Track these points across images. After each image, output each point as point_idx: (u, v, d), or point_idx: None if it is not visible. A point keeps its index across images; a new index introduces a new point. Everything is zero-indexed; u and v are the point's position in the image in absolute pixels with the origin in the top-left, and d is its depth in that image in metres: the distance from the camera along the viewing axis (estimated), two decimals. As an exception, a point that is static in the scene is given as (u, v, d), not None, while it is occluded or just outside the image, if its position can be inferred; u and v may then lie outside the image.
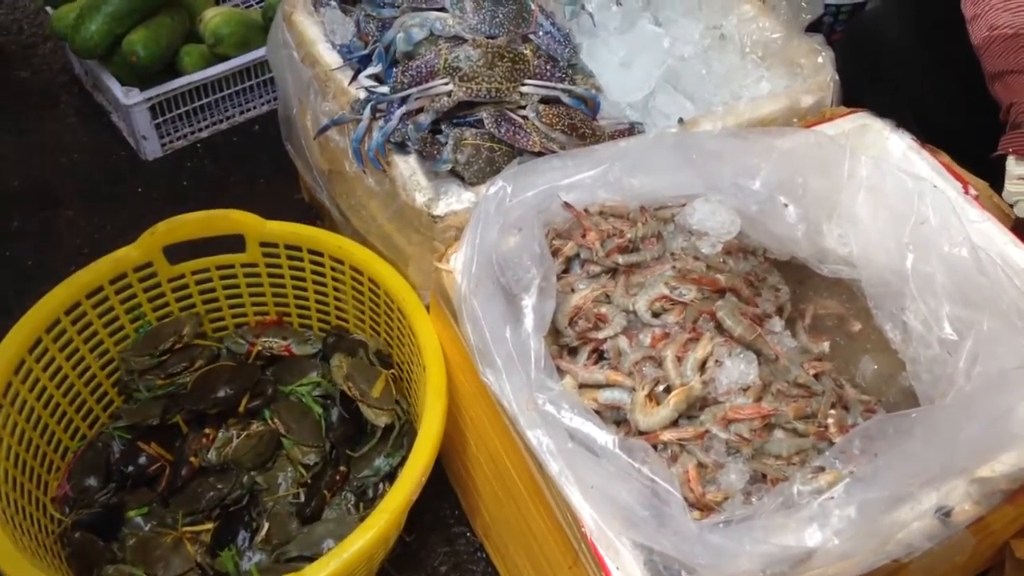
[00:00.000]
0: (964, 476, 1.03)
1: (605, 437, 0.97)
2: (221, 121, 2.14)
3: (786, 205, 1.30)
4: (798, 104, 1.49)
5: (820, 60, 1.53)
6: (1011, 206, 1.36)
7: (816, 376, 1.12)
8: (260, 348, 1.50)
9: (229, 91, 2.10)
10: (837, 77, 1.52)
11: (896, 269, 1.24)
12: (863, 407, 1.20)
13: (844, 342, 1.37)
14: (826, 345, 1.33)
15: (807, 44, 1.56)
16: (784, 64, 1.55)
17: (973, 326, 1.14)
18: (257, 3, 2.33)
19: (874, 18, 1.62)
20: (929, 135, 1.45)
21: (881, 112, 1.47)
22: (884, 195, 1.28)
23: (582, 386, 1.08)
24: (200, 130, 2.12)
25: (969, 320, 1.16)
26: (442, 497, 1.51)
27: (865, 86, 1.54)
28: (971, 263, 1.18)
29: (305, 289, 1.52)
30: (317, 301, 1.54)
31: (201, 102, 2.08)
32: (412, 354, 1.35)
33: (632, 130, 1.44)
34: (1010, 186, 1.35)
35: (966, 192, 1.38)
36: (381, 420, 1.36)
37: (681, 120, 1.43)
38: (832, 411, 1.07)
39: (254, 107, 2.17)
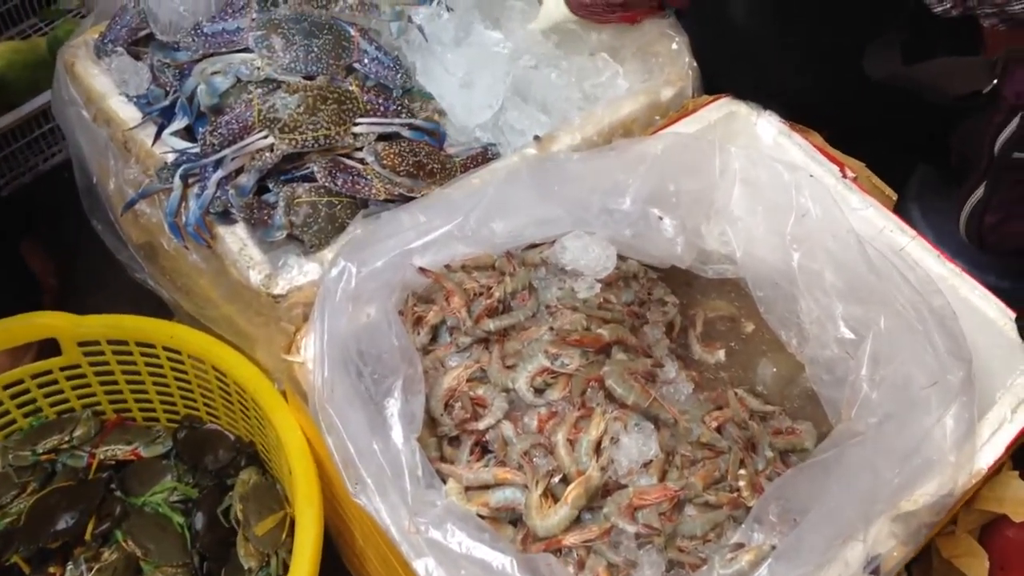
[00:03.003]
0: (886, 515, 0.96)
1: (501, 560, 0.85)
2: (23, 173, 1.88)
3: (661, 218, 1.23)
4: (658, 98, 1.38)
5: (675, 46, 1.41)
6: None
7: (719, 429, 1.02)
8: (102, 458, 1.31)
9: (26, 139, 1.83)
10: (695, 63, 1.40)
11: (783, 269, 1.18)
12: (771, 431, 1.12)
13: (739, 346, 1.31)
14: (721, 353, 1.27)
15: (658, 29, 1.43)
16: (638, 56, 1.43)
17: (870, 325, 1.09)
18: (47, 26, 2.02)
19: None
20: (792, 114, 1.36)
21: (741, 94, 1.38)
22: (760, 188, 1.22)
23: (468, 489, 0.95)
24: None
25: (864, 319, 1.11)
26: (340, 582, 1.37)
27: (715, 67, 1.42)
28: (859, 258, 1.12)
29: (143, 382, 1.33)
30: (159, 393, 1.35)
31: (-4, 157, 1.82)
32: (275, 443, 1.19)
33: (486, 154, 1.30)
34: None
35: (843, 175, 1.32)
36: (248, 561, 1.19)
37: (537, 137, 1.29)
38: (742, 471, 0.97)
39: (59, 150, 1.90)
